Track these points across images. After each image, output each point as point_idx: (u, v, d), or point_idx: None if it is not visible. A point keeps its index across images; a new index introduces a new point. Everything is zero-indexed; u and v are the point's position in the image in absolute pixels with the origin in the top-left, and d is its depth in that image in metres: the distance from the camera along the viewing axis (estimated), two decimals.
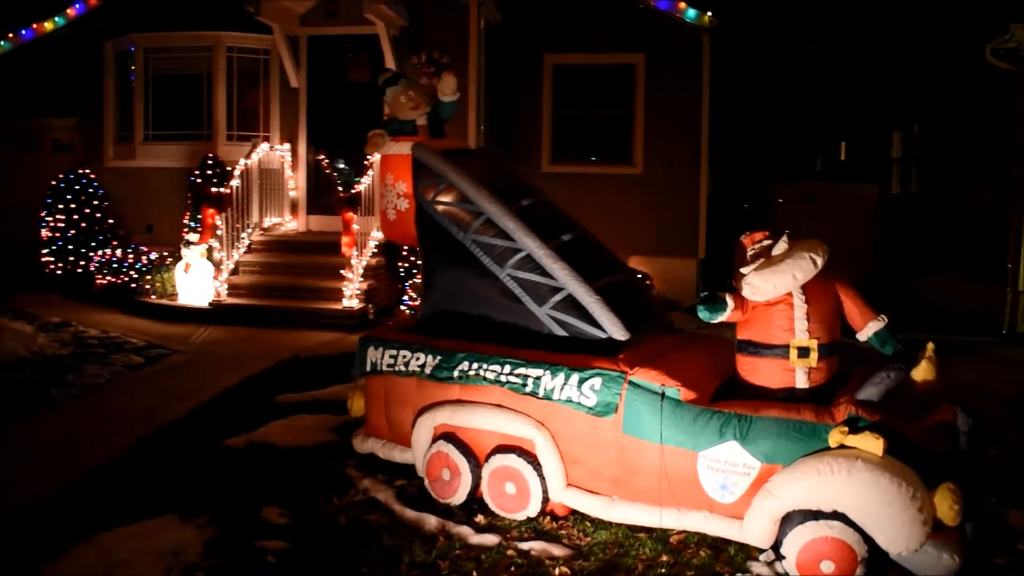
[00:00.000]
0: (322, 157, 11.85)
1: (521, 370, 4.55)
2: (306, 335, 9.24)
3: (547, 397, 4.45)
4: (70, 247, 11.90)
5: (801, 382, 4.22)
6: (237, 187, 10.52)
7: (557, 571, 3.95)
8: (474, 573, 3.95)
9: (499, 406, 4.60)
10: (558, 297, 4.82)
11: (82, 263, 11.87)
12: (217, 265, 10.29)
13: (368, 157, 9.76)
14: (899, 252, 13.95)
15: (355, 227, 9.87)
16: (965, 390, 6.00)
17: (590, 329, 4.73)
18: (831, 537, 3.73)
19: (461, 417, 4.70)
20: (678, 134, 12.19)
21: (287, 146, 11.89)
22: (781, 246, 4.31)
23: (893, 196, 15.04)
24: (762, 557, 4.07)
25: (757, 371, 4.30)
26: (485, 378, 4.65)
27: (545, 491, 4.49)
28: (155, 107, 12.23)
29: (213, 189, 10.50)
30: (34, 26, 13.00)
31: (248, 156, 10.85)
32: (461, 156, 5.55)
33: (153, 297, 10.65)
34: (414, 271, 10.08)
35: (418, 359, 4.94)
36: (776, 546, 3.94)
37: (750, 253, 4.39)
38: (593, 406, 4.32)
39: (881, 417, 3.88)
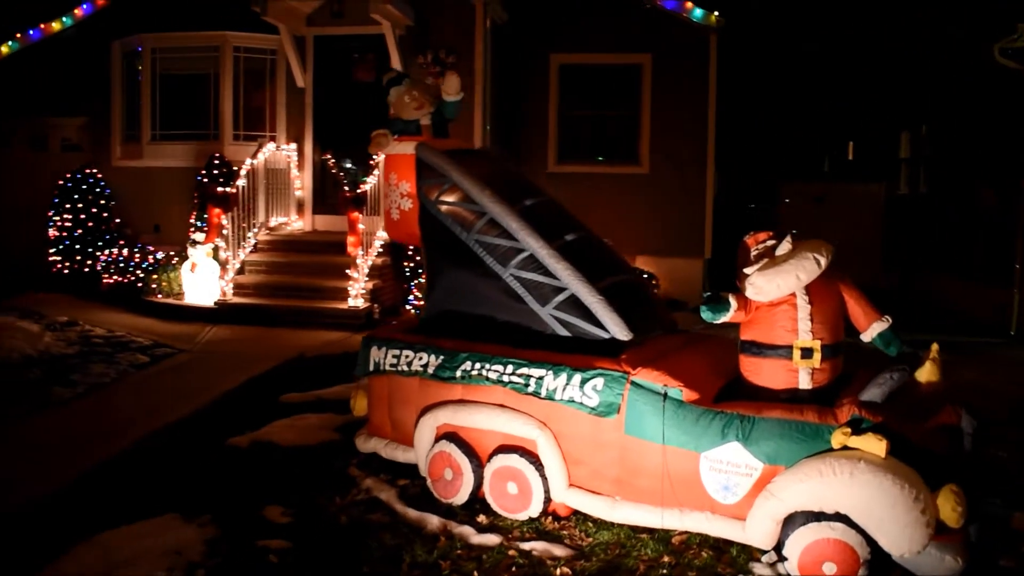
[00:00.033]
0: (328, 157, 11.88)
1: (524, 370, 4.55)
2: (312, 334, 9.26)
3: (549, 397, 4.44)
4: (77, 246, 11.95)
5: (804, 383, 4.20)
6: (243, 187, 10.56)
7: (559, 571, 3.94)
8: (475, 573, 3.94)
9: (501, 406, 4.60)
10: (561, 297, 4.82)
11: (89, 262, 11.91)
12: (223, 264, 10.32)
13: (374, 157, 9.77)
14: (907, 253, 13.89)
15: (361, 227, 9.89)
16: (970, 391, 5.95)
17: (593, 329, 4.73)
18: (833, 539, 3.72)
19: (463, 417, 4.70)
20: (685, 134, 12.17)
21: (293, 146, 11.91)
22: (785, 246, 4.29)
23: (901, 196, 14.98)
24: (764, 558, 4.06)
25: (760, 372, 4.28)
26: (488, 378, 4.64)
27: (547, 491, 4.48)
28: (162, 107, 12.27)
29: (219, 189, 10.54)
30: (42, 26, 13.08)
31: (254, 156, 10.89)
32: (465, 156, 5.54)
33: (159, 296, 10.70)
34: (419, 271, 10.09)
35: (421, 359, 4.95)
36: (778, 547, 3.93)
37: (754, 253, 4.37)
38: (595, 406, 4.31)
39: (884, 418, 3.86)
